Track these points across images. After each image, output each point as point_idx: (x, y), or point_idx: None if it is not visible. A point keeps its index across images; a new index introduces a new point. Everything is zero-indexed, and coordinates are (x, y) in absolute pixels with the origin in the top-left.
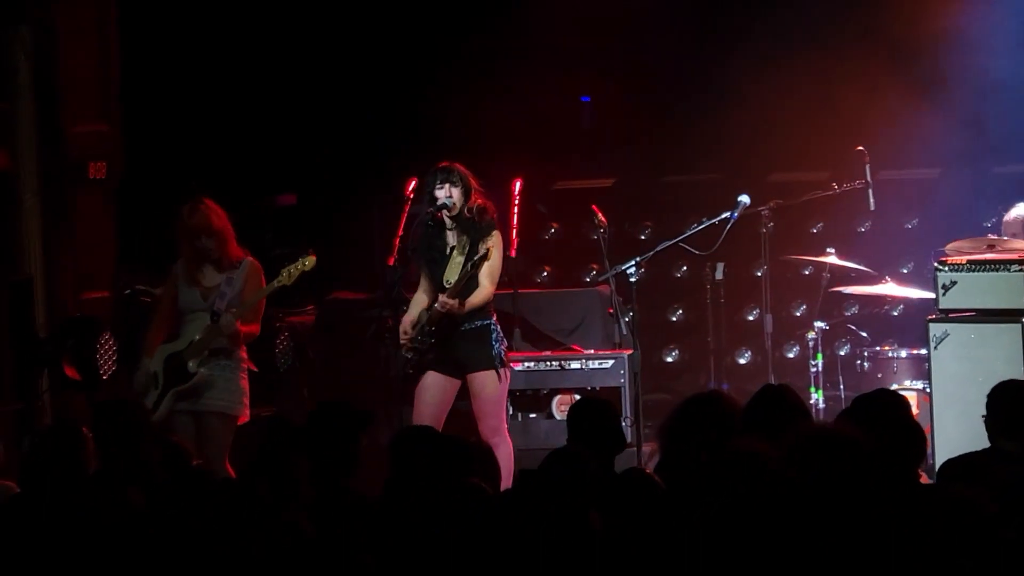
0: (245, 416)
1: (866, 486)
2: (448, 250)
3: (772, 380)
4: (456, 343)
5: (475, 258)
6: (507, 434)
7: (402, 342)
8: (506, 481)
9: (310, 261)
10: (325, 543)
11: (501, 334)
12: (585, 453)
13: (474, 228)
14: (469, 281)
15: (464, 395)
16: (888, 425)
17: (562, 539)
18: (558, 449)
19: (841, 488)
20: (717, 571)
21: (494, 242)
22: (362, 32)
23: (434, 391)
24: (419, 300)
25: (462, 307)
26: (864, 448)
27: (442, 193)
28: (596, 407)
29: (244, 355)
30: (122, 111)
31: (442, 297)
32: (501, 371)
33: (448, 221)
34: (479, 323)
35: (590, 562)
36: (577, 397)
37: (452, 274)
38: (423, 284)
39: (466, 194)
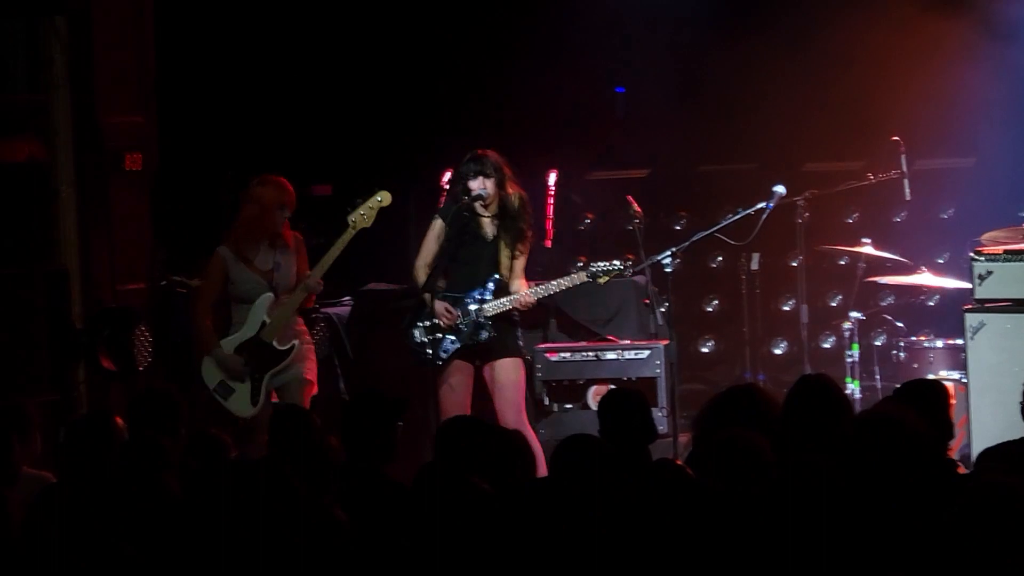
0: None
1: (919, 470)
2: (487, 239)
3: (808, 370)
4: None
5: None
6: (528, 423)
7: (446, 324)
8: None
9: (384, 196)
10: (359, 529)
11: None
12: (599, 440)
13: (515, 222)
14: (515, 273)
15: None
16: (931, 413)
17: (574, 531)
18: (571, 436)
19: (899, 472)
20: (744, 560)
21: (530, 235)
22: (397, 22)
23: (458, 378)
24: (422, 273)
25: (533, 301)
26: (921, 433)
27: (476, 184)
28: (625, 398)
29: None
30: (158, 102)
31: (527, 298)
32: (523, 360)
33: (482, 210)
34: (508, 314)
35: (601, 552)
36: (612, 388)
37: (506, 270)
38: (431, 262)
39: (500, 184)
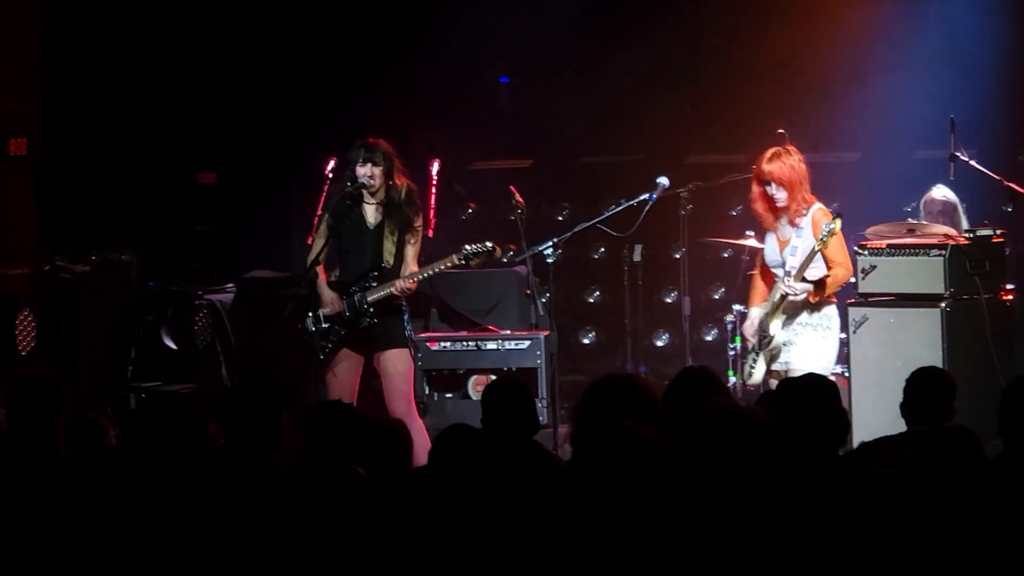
0: None
1: (770, 465)
2: (370, 227)
3: (690, 363)
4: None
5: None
6: (416, 412)
7: (331, 313)
8: (420, 458)
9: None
10: (241, 518)
11: (409, 316)
12: (477, 430)
13: (401, 211)
14: (398, 262)
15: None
16: (811, 409)
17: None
18: (450, 426)
19: (740, 465)
20: (615, 555)
21: (419, 225)
22: (281, 9)
23: (343, 366)
24: (312, 271)
25: (411, 288)
26: (764, 427)
27: (363, 172)
28: (510, 389)
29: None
30: (44, 88)
31: (404, 283)
32: (411, 350)
33: (368, 197)
34: (393, 303)
35: (479, 539)
36: (493, 378)
37: (389, 256)
38: (320, 252)
39: (388, 174)
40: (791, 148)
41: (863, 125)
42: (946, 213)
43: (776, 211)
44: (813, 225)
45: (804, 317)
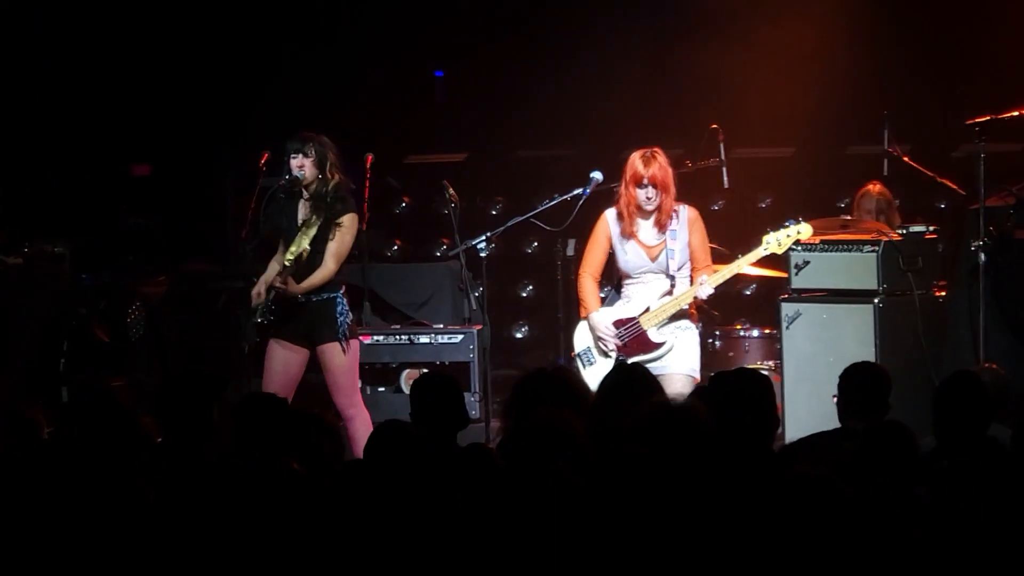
0: None
1: (709, 462)
2: (299, 223)
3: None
4: (301, 315)
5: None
6: (363, 405)
7: (253, 304)
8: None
9: (806, 230)
10: (171, 508)
11: (347, 307)
12: (410, 425)
13: (328, 206)
14: (314, 258)
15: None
16: (745, 403)
17: (387, 516)
18: (384, 422)
19: (682, 462)
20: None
21: (346, 221)
22: (216, 2)
23: (280, 360)
24: (272, 267)
25: (297, 288)
26: (705, 424)
27: (295, 163)
28: (439, 383)
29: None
30: None
31: (277, 279)
32: (346, 343)
33: (304, 192)
34: (325, 296)
35: (418, 538)
36: (425, 371)
37: (297, 250)
38: (278, 253)
39: (321, 167)
40: (657, 149)
41: (796, 120)
42: (880, 209)
43: (644, 215)
44: (690, 224)
45: (680, 321)
